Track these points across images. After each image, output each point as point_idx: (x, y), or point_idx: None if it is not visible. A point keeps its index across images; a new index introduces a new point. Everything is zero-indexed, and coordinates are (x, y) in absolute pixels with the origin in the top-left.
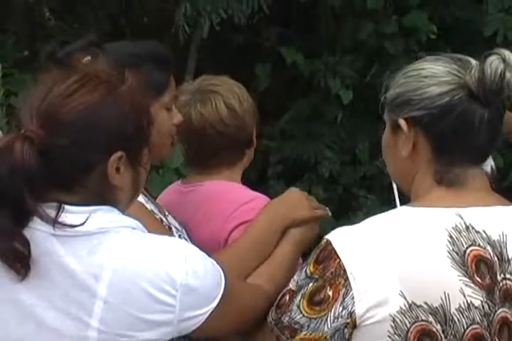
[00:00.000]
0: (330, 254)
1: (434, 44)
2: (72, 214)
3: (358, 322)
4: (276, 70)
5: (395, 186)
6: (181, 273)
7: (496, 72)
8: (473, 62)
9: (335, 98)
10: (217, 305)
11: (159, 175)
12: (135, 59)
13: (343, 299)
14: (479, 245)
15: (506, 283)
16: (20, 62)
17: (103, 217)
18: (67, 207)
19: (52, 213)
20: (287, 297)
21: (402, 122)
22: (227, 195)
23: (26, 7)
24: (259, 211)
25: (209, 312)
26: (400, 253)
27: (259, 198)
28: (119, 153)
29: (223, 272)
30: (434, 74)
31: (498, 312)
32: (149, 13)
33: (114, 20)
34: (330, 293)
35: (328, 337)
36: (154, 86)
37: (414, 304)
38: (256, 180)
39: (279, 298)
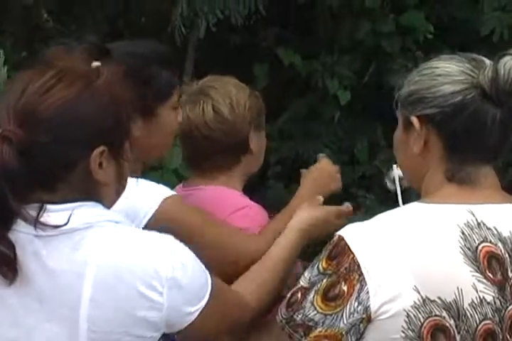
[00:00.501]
0: (343, 250)
1: (431, 43)
2: (54, 213)
3: (372, 317)
4: (274, 71)
5: (397, 182)
6: (167, 266)
7: (509, 72)
8: (487, 62)
9: (332, 98)
10: (206, 306)
11: (158, 176)
12: (142, 60)
13: (358, 294)
14: (491, 241)
15: None
16: (17, 64)
17: (86, 212)
18: (49, 206)
19: (34, 214)
20: (299, 294)
21: (414, 120)
22: (222, 201)
23: (24, 8)
24: (251, 219)
25: (198, 311)
26: (412, 249)
27: (254, 207)
28: (101, 148)
29: (209, 274)
30: (447, 73)
31: (509, 308)
32: (147, 14)
33: (112, 22)
34: (345, 288)
35: (344, 332)
36: (163, 87)
37: (428, 299)
38: (255, 180)
39: (289, 297)
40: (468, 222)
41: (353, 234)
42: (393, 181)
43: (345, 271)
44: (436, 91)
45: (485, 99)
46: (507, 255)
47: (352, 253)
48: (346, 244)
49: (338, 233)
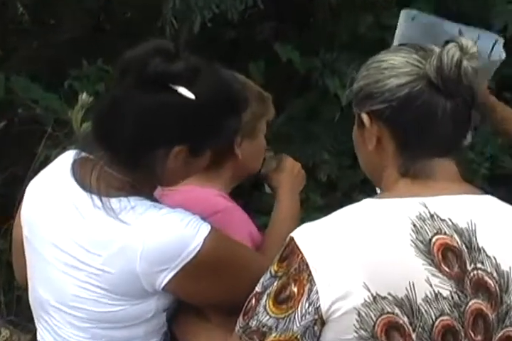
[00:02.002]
0: (293, 250)
1: None
2: None
3: (324, 317)
4: (271, 68)
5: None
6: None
7: (452, 59)
8: (437, 50)
9: (333, 97)
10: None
11: None
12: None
13: (308, 295)
14: (445, 233)
15: (478, 273)
16: None
17: None
18: None
19: None
20: (253, 300)
21: (364, 116)
22: (194, 205)
23: None
24: (223, 225)
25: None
26: (363, 245)
27: (226, 211)
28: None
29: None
30: (393, 66)
31: (470, 303)
32: (132, 7)
33: (92, 15)
34: (295, 289)
35: (298, 336)
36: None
37: (379, 296)
38: (249, 186)
39: (246, 305)
40: (420, 214)
41: (303, 233)
42: None
43: (295, 271)
44: (382, 85)
45: (433, 90)
46: (464, 246)
47: (301, 252)
48: (295, 244)
49: (291, 234)
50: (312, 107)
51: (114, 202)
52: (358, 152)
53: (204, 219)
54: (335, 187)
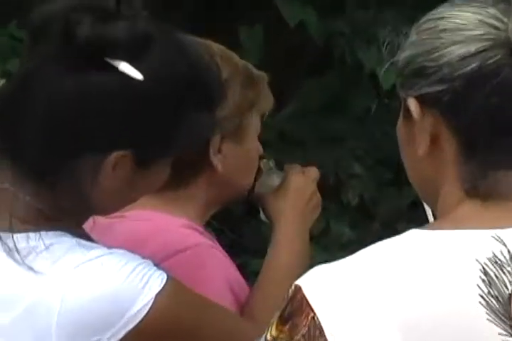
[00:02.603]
0: (300, 306)
1: None
2: None
3: None
4: (271, 35)
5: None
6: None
7: None
8: None
9: (368, 79)
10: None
11: None
12: None
13: None
14: None
15: None
16: None
17: None
18: None
19: None
20: None
21: (412, 103)
22: (145, 242)
23: None
24: (188, 273)
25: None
26: (403, 301)
27: (194, 252)
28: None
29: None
30: (457, 27)
31: None
32: None
33: None
34: None
35: None
36: None
37: None
38: (243, 209)
39: None
40: (495, 256)
41: (315, 281)
42: None
43: (304, 338)
44: (440, 56)
45: None
46: None
47: (312, 310)
48: (304, 297)
49: (296, 282)
50: (334, 94)
51: (20, 239)
52: (403, 158)
53: (157, 265)
54: (370, 214)
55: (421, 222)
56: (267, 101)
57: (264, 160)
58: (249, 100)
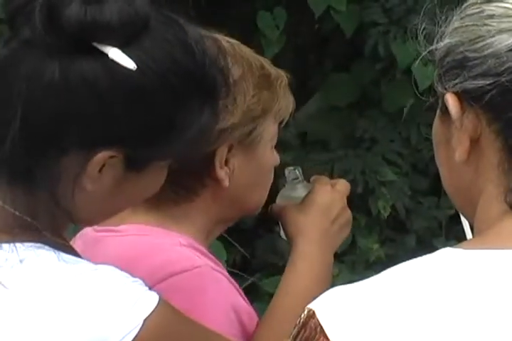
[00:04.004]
0: (314, 335)
1: None
2: None
3: None
4: (294, 24)
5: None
6: None
7: None
8: None
9: (402, 75)
10: None
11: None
12: None
13: None
14: None
15: None
16: None
17: None
18: None
19: None
20: None
21: (450, 99)
22: (137, 261)
23: None
24: (184, 298)
25: None
26: (434, 330)
27: (192, 274)
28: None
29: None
30: (506, 13)
31: None
32: None
33: None
34: None
35: None
36: None
37: None
38: (255, 222)
39: None
40: None
41: (333, 305)
42: None
43: None
44: (484, 46)
45: None
46: None
47: (327, 339)
48: (318, 323)
49: (309, 305)
50: (363, 90)
51: None
52: (438, 162)
53: (149, 286)
54: (404, 228)
55: (462, 236)
56: (285, 105)
57: (290, 168)
58: (264, 104)
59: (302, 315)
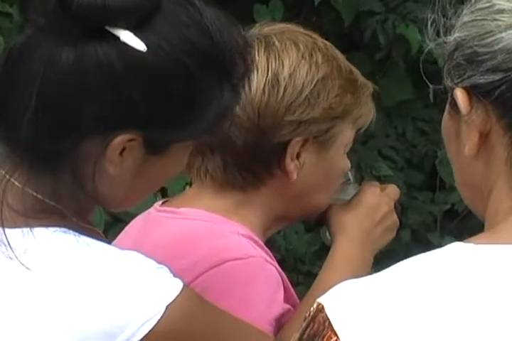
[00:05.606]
0: (322, 329)
1: None
2: None
3: None
4: (294, 13)
5: None
6: None
7: None
8: None
9: (402, 66)
10: None
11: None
12: None
13: None
14: None
15: None
16: None
17: None
18: None
19: None
20: None
21: (459, 94)
22: (198, 244)
23: None
24: (226, 289)
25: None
26: (442, 325)
27: (243, 264)
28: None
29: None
30: None
31: None
32: None
33: None
34: None
35: None
36: None
37: None
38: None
39: None
40: None
41: (342, 300)
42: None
43: None
44: (494, 41)
45: None
46: None
47: (335, 334)
48: (327, 318)
49: (319, 299)
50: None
51: (14, 235)
52: (450, 158)
53: (175, 274)
54: (399, 223)
55: (457, 232)
56: (366, 113)
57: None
58: (345, 106)
59: (311, 309)
